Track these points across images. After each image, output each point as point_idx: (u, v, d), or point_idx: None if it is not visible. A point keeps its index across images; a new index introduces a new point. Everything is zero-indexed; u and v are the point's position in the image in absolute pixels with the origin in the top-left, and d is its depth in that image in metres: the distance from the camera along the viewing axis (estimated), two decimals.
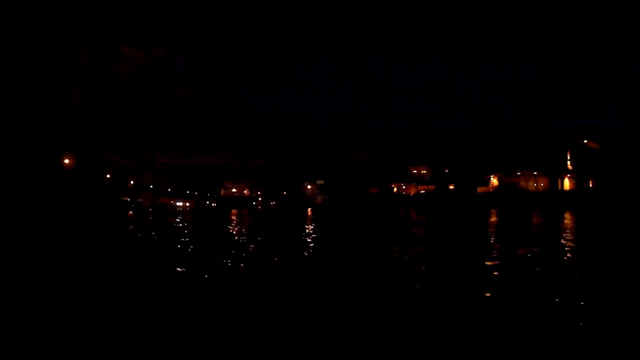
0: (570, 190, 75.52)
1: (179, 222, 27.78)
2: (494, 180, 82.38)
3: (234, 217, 34.12)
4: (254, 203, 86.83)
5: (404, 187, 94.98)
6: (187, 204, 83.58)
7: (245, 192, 76.50)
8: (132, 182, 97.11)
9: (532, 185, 77.32)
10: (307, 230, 20.50)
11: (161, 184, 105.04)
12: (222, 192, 79.64)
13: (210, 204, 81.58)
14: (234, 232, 19.77)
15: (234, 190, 76.87)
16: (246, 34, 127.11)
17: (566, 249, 13.02)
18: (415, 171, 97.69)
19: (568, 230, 20.11)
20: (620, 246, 13.99)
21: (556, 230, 20.12)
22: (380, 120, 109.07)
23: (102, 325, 5.29)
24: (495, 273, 9.08)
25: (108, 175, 74.24)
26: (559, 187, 76.68)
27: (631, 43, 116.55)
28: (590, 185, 77.47)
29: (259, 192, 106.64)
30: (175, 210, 54.61)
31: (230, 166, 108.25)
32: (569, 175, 79.73)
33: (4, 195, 35.18)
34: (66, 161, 51.70)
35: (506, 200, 61.74)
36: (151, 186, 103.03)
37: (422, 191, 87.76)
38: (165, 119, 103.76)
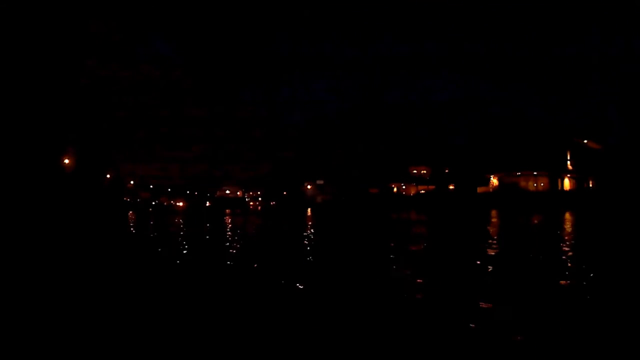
0: (570, 190, 75.49)
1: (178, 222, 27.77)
2: (494, 180, 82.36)
3: (227, 217, 34.14)
4: (251, 203, 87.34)
5: (404, 187, 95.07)
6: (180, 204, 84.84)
7: (238, 193, 78.05)
8: (132, 182, 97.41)
9: (532, 185, 77.29)
10: (305, 232, 20.47)
11: (161, 184, 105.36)
12: (218, 193, 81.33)
13: (207, 204, 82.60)
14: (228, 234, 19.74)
15: (227, 191, 78.47)
16: (246, 37, 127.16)
17: (566, 249, 12.99)
18: (415, 171, 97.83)
19: (568, 230, 20.09)
20: (620, 246, 13.96)
21: (556, 231, 20.08)
22: (380, 120, 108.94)
23: (101, 322, 5.28)
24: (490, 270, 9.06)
25: (108, 175, 74.36)
26: (559, 187, 76.67)
27: (631, 42, 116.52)
28: (590, 185, 77.46)
29: (258, 193, 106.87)
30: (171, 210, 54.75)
31: (229, 167, 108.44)
32: (569, 175, 79.73)
33: (4, 195, 35.18)
34: (66, 161, 51.72)
35: (506, 200, 61.72)
36: (151, 186, 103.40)
37: (422, 191, 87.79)
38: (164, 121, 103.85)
